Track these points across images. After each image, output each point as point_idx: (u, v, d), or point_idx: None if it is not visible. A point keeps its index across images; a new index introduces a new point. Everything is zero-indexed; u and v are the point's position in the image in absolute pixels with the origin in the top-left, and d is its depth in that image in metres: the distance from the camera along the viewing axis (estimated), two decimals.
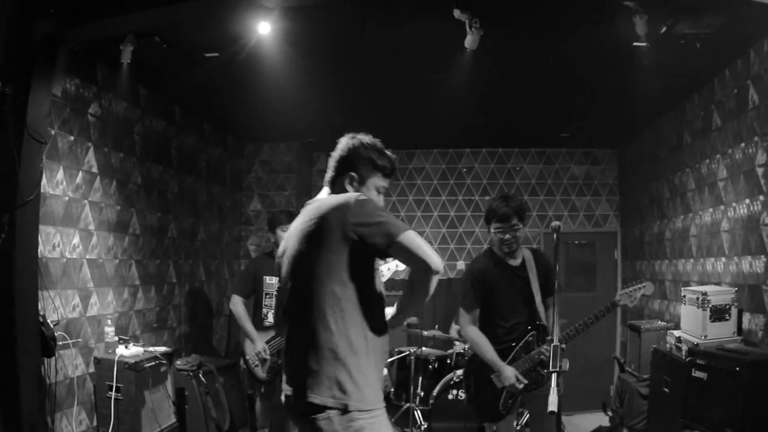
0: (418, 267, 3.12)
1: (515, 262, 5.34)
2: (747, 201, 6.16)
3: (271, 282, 6.44)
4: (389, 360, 8.32)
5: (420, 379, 7.69)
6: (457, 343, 8.31)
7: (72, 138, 6.05)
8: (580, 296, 10.10)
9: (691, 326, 6.25)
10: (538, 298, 5.27)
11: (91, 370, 6.16)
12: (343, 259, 3.13)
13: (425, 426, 7.34)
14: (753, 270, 6.01)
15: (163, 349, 6.55)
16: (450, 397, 7.23)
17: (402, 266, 5.38)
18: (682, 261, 7.90)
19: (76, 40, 5.48)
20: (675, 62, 6.22)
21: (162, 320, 7.81)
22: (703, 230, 7.27)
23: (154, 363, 6.24)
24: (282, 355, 3.48)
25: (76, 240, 6.12)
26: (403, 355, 7.91)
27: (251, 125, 9.64)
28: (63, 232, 5.92)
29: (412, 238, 3.07)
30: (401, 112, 8.74)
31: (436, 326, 8.69)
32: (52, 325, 5.35)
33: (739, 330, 6.08)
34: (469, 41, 5.40)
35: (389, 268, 6.27)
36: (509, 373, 5.09)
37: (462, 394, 7.09)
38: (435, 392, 7.34)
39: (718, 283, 6.70)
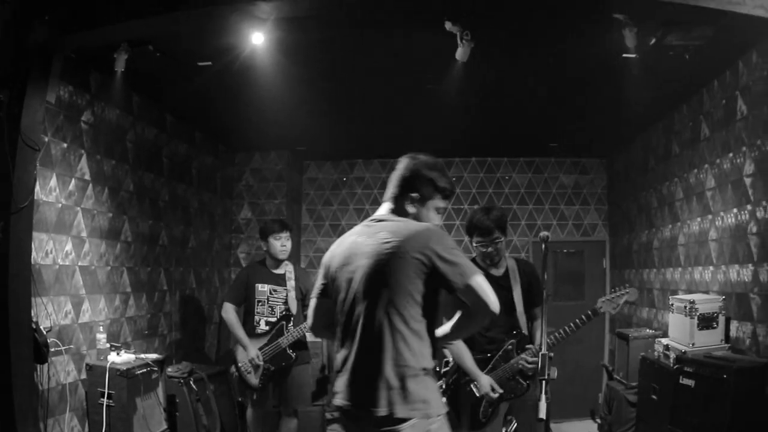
0: (480, 309, 3.26)
1: (498, 272, 5.34)
2: (735, 210, 6.23)
3: (263, 290, 6.47)
4: None
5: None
6: (446, 351, 8.33)
7: (65, 145, 6.07)
8: (568, 305, 10.15)
9: (679, 334, 6.30)
10: (519, 308, 5.28)
11: (83, 376, 6.17)
12: (419, 286, 3.25)
13: None
14: (740, 278, 6.08)
15: (154, 356, 6.57)
16: None
17: None
18: (670, 270, 7.97)
19: (71, 47, 5.51)
20: (664, 73, 6.29)
21: (153, 327, 7.82)
22: (691, 239, 7.34)
23: (145, 370, 6.25)
24: (331, 366, 3.56)
25: (68, 247, 6.14)
26: None
27: (242, 134, 9.67)
28: (56, 239, 5.94)
29: (480, 282, 3.22)
30: (391, 121, 8.79)
31: None
32: (45, 332, 5.37)
33: (727, 338, 6.14)
34: (460, 53, 5.44)
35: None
36: (485, 382, 5.09)
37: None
38: None
39: (705, 292, 6.76)
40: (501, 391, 5.09)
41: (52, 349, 5.55)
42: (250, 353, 6.33)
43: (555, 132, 9.41)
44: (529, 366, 5.09)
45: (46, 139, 5.73)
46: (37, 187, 5.43)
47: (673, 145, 7.96)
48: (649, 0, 4.61)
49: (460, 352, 5.19)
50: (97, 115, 6.60)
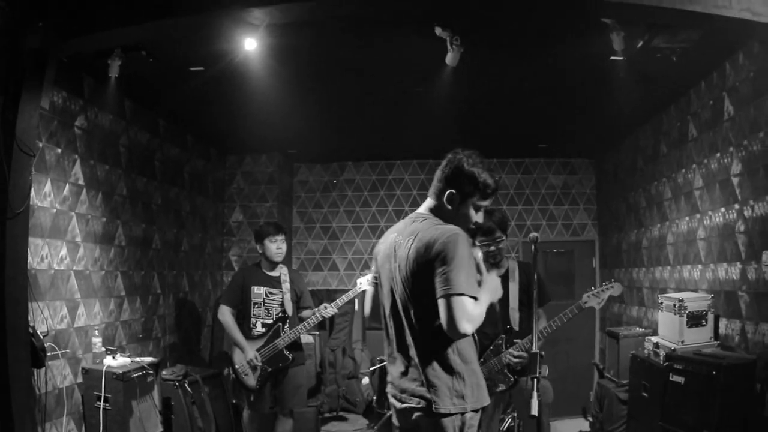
0: (446, 325, 3.30)
1: (498, 273, 5.41)
2: (722, 210, 6.31)
3: (259, 292, 6.51)
4: (371, 369, 8.43)
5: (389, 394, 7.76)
6: None
7: (59, 150, 6.11)
8: (559, 304, 10.10)
9: (669, 332, 6.37)
10: (513, 304, 5.47)
11: (79, 380, 6.21)
12: (432, 290, 3.37)
13: None
14: (729, 276, 6.15)
15: (149, 359, 6.60)
16: None
17: None
18: (659, 268, 8.04)
19: (65, 53, 5.53)
20: (652, 75, 6.36)
21: (147, 331, 7.86)
22: (679, 238, 7.42)
23: (141, 373, 6.29)
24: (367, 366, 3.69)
25: (63, 252, 6.18)
26: (384, 363, 7.98)
27: (233, 137, 9.71)
28: (51, 244, 5.97)
29: (459, 303, 3.26)
30: (381, 124, 8.86)
31: None
32: (41, 336, 5.40)
33: (716, 335, 6.22)
34: (450, 58, 5.51)
35: (369, 281, 6.39)
36: None
37: None
38: None
39: (694, 290, 6.84)
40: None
41: (49, 354, 5.58)
42: (248, 355, 6.36)
43: (544, 133, 9.49)
44: (515, 360, 5.31)
45: (41, 145, 5.76)
46: (32, 193, 5.44)
47: (662, 146, 8.04)
48: (636, 4, 4.63)
49: None
50: (90, 120, 6.64)
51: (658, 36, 5.29)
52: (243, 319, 6.51)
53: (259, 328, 6.47)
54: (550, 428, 6.02)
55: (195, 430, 6.93)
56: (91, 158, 6.67)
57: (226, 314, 6.50)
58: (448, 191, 3.59)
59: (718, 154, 6.42)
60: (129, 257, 7.47)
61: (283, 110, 7.68)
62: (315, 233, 11.42)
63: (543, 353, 4.63)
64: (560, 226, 11.04)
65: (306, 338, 7.01)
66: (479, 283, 3.58)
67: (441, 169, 3.66)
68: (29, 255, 5.41)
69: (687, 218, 7.19)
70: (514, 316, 5.47)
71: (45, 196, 5.90)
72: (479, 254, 3.67)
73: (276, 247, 6.54)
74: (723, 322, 6.23)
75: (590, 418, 8.40)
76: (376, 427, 7.66)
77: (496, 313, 5.37)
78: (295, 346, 6.54)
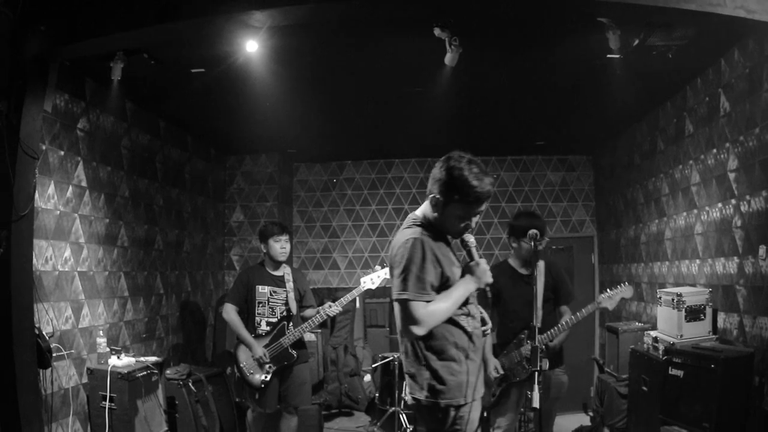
0: (399, 329, 3.64)
1: (526, 271, 5.91)
2: (719, 205, 6.36)
3: (264, 291, 6.54)
4: (373, 366, 8.49)
5: (404, 383, 7.83)
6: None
7: (62, 153, 6.16)
8: None
9: (667, 326, 6.42)
10: (538, 303, 5.50)
11: (85, 380, 6.27)
12: None
13: (410, 429, 7.49)
14: (726, 271, 6.21)
15: (154, 358, 6.67)
16: None
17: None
18: (657, 264, 8.10)
19: (67, 57, 5.58)
20: (648, 72, 6.41)
21: (151, 331, 7.92)
22: (677, 234, 7.47)
23: (145, 373, 6.35)
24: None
25: (67, 253, 6.23)
26: (386, 360, 8.06)
27: (233, 137, 9.75)
28: (55, 246, 6.03)
29: (404, 305, 3.53)
30: (380, 123, 8.91)
31: None
32: (47, 337, 5.45)
33: (715, 329, 6.26)
34: (449, 59, 5.55)
35: (372, 280, 6.46)
36: (490, 363, 5.75)
37: None
38: None
39: (693, 285, 6.88)
40: (501, 372, 5.75)
41: (55, 354, 5.63)
42: (257, 352, 6.38)
43: (542, 130, 9.54)
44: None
45: (44, 147, 5.82)
46: (36, 195, 5.50)
47: (658, 142, 8.09)
48: (632, 4, 4.68)
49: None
50: (92, 122, 6.69)
51: (653, 34, 5.33)
52: (247, 318, 6.54)
53: (264, 327, 6.51)
54: (554, 420, 6.13)
55: (199, 428, 6.98)
56: (93, 160, 6.72)
57: (231, 313, 6.53)
58: (432, 195, 3.66)
59: (715, 150, 6.47)
60: (132, 258, 7.53)
61: (282, 111, 7.73)
62: (315, 232, 11.47)
63: (543, 347, 4.88)
64: (559, 223, 11.09)
65: (308, 336, 7.05)
66: (463, 272, 3.76)
67: (433, 170, 3.70)
68: (34, 257, 5.46)
69: (684, 214, 7.24)
70: (539, 313, 5.54)
71: (49, 198, 5.95)
72: (471, 239, 3.73)
73: (280, 246, 6.58)
74: (721, 316, 6.28)
75: (591, 413, 8.44)
76: (378, 424, 7.72)
77: (524, 310, 5.63)
78: (300, 344, 6.59)
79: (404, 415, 7.62)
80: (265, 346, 6.44)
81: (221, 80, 6.57)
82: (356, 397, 9.68)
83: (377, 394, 8.40)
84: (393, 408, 7.64)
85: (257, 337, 6.48)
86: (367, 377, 9.19)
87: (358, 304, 9.95)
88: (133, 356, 6.60)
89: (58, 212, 6.11)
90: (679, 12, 4.64)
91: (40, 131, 5.41)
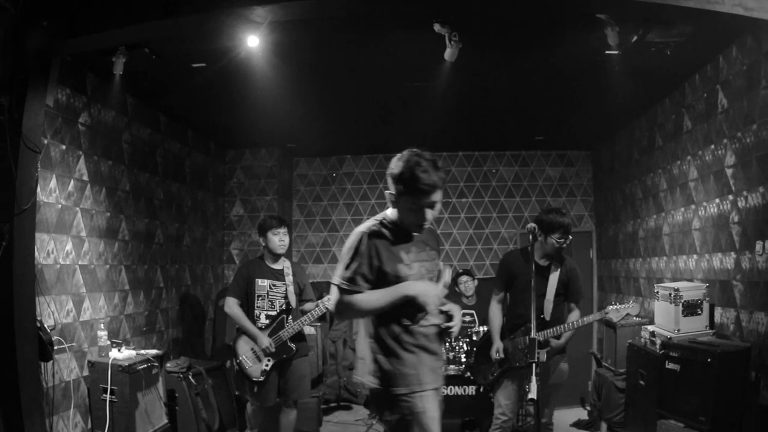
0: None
1: (544, 263, 5.96)
2: (717, 200, 6.40)
3: (263, 284, 6.57)
4: None
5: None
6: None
7: (64, 147, 6.19)
8: None
9: (665, 321, 6.46)
10: (549, 296, 5.89)
11: (86, 373, 6.30)
12: None
13: None
14: (723, 266, 6.25)
15: (154, 351, 6.68)
16: None
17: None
18: (655, 259, 8.14)
19: (69, 52, 5.61)
20: (646, 68, 6.44)
21: (151, 324, 7.96)
22: (675, 229, 7.51)
23: (146, 365, 6.37)
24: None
25: (69, 246, 6.27)
26: None
27: (233, 132, 9.77)
28: (56, 239, 6.06)
29: (333, 289, 3.78)
30: (380, 118, 8.94)
31: None
32: (49, 330, 5.48)
33: (712, 324, 6.30)
34: (449, 54, 5.58)
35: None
36: (495, 345, 6.09)
37: (444, 390, 7.31)
38: None
39: (690, 280, 6.92)
40: (503, 355, 6.01)
41: (56, 347, 5.67)
42: (263, 342, 6.40)
43: (541, 125, 9.56)
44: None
45: (46, 141, 5.84)
46: (38, 189, 5.52)
47: (657, 138, 8.12)
48: (630, 0, 4.73)
49: (492, 318, 6.24)
50: (93, 116, 6.72)
51: (652, 30, 5.37)
52: (247, 312, 6.56)
53: (263, 320, 6.53)
54: (553, 407, 6.21)
55: (199, 421, 7.01)
56: (94, 154, 6.75)
57: (233, 306, 6.55)
58: (387, 191, 3.83)
59: (713, 146, 6.51)
60: (132, 251, 7.57)
61: (282, 105, 7.75)
62: (315, 226, 11.51)
63: (541, 339, 5.01)
64: None
65: (307, 329, 7.08)
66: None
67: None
68: (36, 250, 5.49)
69: (682, 209, 7.28)
70: (548, 306, 5.89)
71: (50, 192, 5.98)
72: (447, 274, 3.90)
73: (279, 239, 6.61)
74: (718, 311, 6.32)
75: (588, 407, 8.50)
76: (377, 417, 7.75)
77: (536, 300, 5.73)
78: (299, 337, 6.62)
79: None
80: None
81: (222, 75, 6.60)
82: (355, 390, 9.73)
83: None
84: None
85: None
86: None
87: None
88: (134, 349, 6.62)
89: (60, 206, 6.14)
90: (677, 9, 4.66)
91: (42, 125, 5.43)
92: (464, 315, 8.98)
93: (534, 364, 4.16)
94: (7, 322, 4.96)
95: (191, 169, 9.41)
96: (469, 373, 7.43)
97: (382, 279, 3.73)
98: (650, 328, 6.67)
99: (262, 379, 6.46)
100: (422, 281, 3.80)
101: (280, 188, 10.87)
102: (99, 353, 6.38)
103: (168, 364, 7.07)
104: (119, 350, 6.32)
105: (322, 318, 7.23)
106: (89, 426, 6.26)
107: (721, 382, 5.26)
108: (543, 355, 5.69)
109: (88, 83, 6.62)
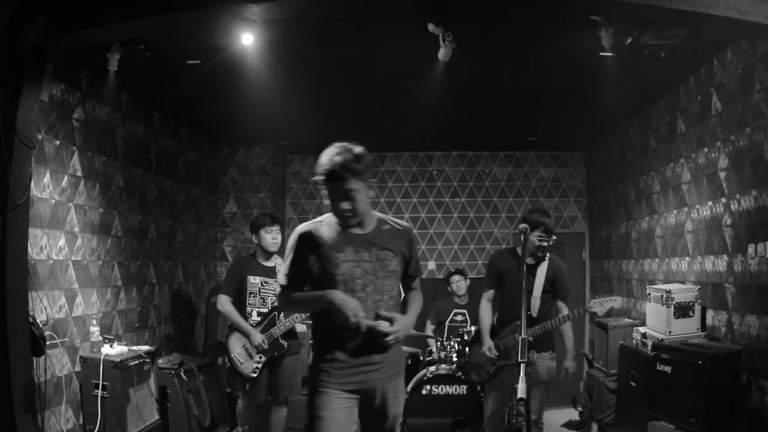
0: None
1: (531, 261, 6.11)
2: (710, 203, 6.42)
3: (255, 282, 6.57)
4: None
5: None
6: (431, 341, 8.54)
7: (58, 143, 6.18)
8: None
9: (656, 323, 6.48)
10: (536, 293, 6.04)
11: (78, 369, 6.29)
12: None
13: (400, 421, 7.52)
14: (716, 269, 6.27)
15: (146, 347, 6.69)
16: (423, 392, 7.42)
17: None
18: (647, 261, 8.16)
19: (65, 47, 5.59)
20: (641, 70, 6.46)
21: (143, 320, 7.95)
22: (667, 231, 7.53)
23: (138, 361, 6.38)
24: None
25: (62, 242, 6.25)
26: None
27: (227, 129, 9.77)
28: (50, 235, 6.05)
29: (278, 277, 4.05)
30: (373, 116, 8.94)
31: None
32: (41, 325, 5.48)
33: (703, 326, 6.32)
34: (443, 54, 5.60)
35: None
36: (485, 344, 6.24)
37: (435, 390, 7.38)
38: (409, 388, 7.52)
39: (682, 282, 6.95)
40: (496, 353, 6.15)
41: (48, 342, 5.65)
42: (256, 338, 6.39)
43: (535, 126, 9.57)
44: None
45: (40, 137, 5.82)
46: (32, 184, 5.51)
47: (650, 140, 8.14)
48: (625, 2, 4.74)
49: (482, 317, 6.40)
50: (88, 112, 6.71)
51: (646, 33, 5.38)
52: (239, 309, 6.56)
53: (255, 317, 6.54)
54: (542, 403, 6.25)
55: (191, 417, 7.01)
56: (88, 150, 6.74)
57: (226, 303, 6.55)
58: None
59: (706, 149, 6.53)
60: (125, 248, 7.55)
61: (277, 103, 7.75)
62: None
63: (531, 339, 5.07)
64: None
65: (299, 327, 7.07)
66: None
67: None
68: (29, 245, 5.48)
69: (675, 211, 7.30)
70: (535, 303, 6.04)
71: (44, 188, 5.97)
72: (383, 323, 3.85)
73: (271, 237, 6.61)
74: (710, 314, 6.34)
75: (580, 408, 8.51)
76: None
77: (521, 295, 5.90)
78: (291, 334, 6.62)
79: None
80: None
81: (217, 72, 6.59)
82: None
83: None
84: None
85: None
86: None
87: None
88: (126, 345, 6.62)
89: (54, 201, 6.13)
90: (672, 12, 4.68)
91: (36, 121, 5.43)
92: (456, 314, 8.99)
93: (524, 364, 4.17)
94: None
95: (185, 165, 9.39)
96: (460, 373, 7.44)
97: (317, 278, 3.82)
98: (642, 329, 6.69)
99: (253, 376, 6.46)
100: (358, 281, 3.77)
101: (274, 186, 10.86)
102: (91, 349, 6.37)
103: (160, 361, 7.07)
104: (111, 346, 6.32)
105: None
106: (81, 421, 6.26)
107: (712, 384, 5.28)
108: (534, 356, 5.84)
109: (82, 79, 6.60)
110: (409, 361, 8.04)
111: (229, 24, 5.38)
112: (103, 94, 6.91)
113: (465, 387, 7.41)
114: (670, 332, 6.17)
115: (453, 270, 9.43)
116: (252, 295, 6.57)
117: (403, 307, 4.07)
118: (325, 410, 3.73)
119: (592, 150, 10.86)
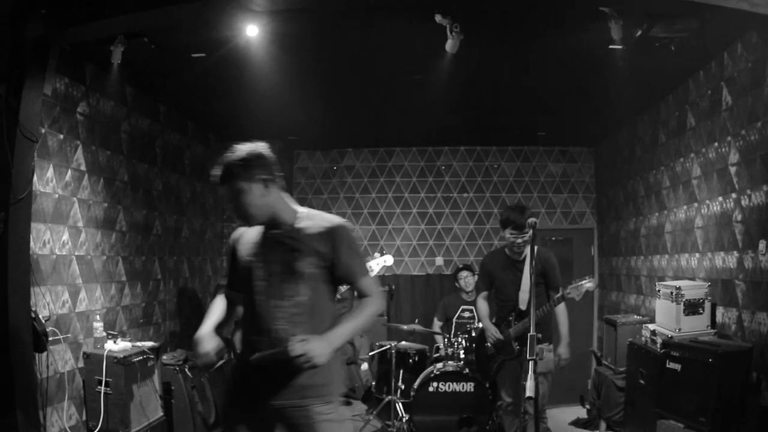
0: None
1: (519, 258, 6.38)
2: (720, 199, 6.35)
3: None
4: (370, 354, 8.49)
5: (401, 372, 7.85)
6: (438, 337, 8.50)
7: (61, 136, 6.14)
8: None
9: (666, 320, 6.41)
10: (524, 287, 6.17)
11: (81, 364, 6.25)
12: None
13: (406, 418, 7.48)
14: (726, 265, 6.20)
15: (150, 343, 6.67)
16: (430, 389, 7.40)
17: (389, 262, 6.32)
18: (657, 257, 8.09)
19: (68, 41, 5.56)
20: (650, 64, 6.39)
21: (148, 316, 7.91)
22: (677, 227, 7.46)
23: (141, 357, 6.35)
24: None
25: (65, 237, 6.21)
26: (383, 349, 8.06)
27: (234, 123, 9.69)
28: (53, 229, 6.01)
29: None
30: (381, 111, 8.89)
31: (416, 320, 8.85)
32: (43, 321, 5.44)
33: (713, 323, 6.26)
34: (450, 45, 5.55)
35: (371, 267, 6.48)
36: (489, 330, 6.46)
37: (442, 387, 7.35)
38: (416, 385, 7.50)
39: (692, 278, 6.88)
40: (501, 336, 6.33)
41: (51, 338, 5.62)
42: None
43: (543, 121, 9.52)
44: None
45: (43, 131, 5.79)
46: (35, 178, 5.50)
47: (660, 134, 8.07)
48: None
49: (482, 311, 6.66)
50: (92, 106, 6.66)
51: (656, 25, 5.31)
52: None
53: None
54: (546, 397, 6.23)
55: (195, 414, 6.98)
56: (92, 144, 6.70)
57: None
58: None
59: (716, 144, 6.45)
60: (130, 243, 7.51)
61: (283, 97, 7.68)
62: None
63: (540, 336, 5.01)
64: (559, 214, 11.09)
65: None
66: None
67: None
68: (31, 240, 5.45)
69: (685, 207, 7.23)
70: (523, 297, 6.17)
71: (47, 182, 5.93)
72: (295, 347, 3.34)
73: None
74: (720, 311, 6.28)
75: (588, 406, 8.46)
76: (374, 412, 7.71)
77: (513, 293, 6.34)
78: None
79: (400, 404, 7.62)
80: None
81: (221, 65, 6.54)
82: (353, 385, 9.68)
83: (374, 383, 8.39)
84: (389, 397, 7.63)
85: None
86: (364, 366, 9.17)
87: (356, 292, 9.92)
88: (130, 341, 6.59)
89: (57, 196, 6.09)
90: (682, 3, 4.64)
91: (39, 114, 5.40)
92: (464, 311, 8.96)
93: (533, 362, 4.12)
94: (1, 312, 4.93)
95: (191, 160, 9.34)
96: (467, 370, 7.39)
97: (243, 274, 3.77)
98: (651, 326, 6.63)
99: None
100: (258, 284, 3.63)
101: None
102: (94, 345, 6.36)
103: (164, 357, 7.05)
104: (115, 342, 6.30)
105: None
106: (84, 418, 6.22)
107: (722, 382, 5.20)
108: (542, 353, 5.92)
109: (87, 72, 6.56)
110: (416, 358, 7.99)
111: (233, 15, 5.35)
112: (108, 87, 6.86)
113: (472, 384, 7.37)
114: (679, 329, 6.11)
115: (461, 266, 9.39)
116: None
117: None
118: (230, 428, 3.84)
119: (601, 145, 10.79)
